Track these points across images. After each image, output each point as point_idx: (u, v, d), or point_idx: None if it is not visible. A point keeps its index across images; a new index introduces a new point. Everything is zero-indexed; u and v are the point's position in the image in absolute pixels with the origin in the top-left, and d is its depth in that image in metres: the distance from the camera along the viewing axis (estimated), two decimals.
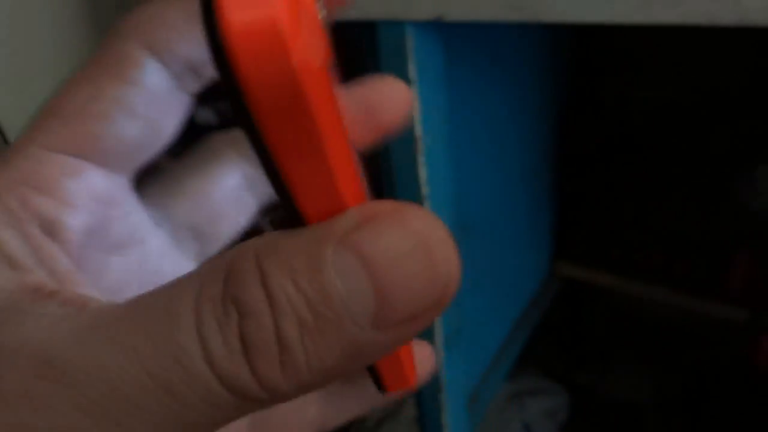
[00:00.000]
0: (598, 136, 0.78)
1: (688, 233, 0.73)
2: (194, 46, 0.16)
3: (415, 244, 0.10)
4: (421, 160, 0.49)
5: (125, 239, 0.17)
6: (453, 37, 0.50)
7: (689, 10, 0.32)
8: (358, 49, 0.49)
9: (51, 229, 0.14)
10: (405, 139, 0.48)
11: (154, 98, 0.16)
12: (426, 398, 0.62)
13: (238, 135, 0.19)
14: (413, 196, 0.50)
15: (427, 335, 0.57)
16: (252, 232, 0.18)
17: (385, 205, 0.11)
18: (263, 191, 0.19)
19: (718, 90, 0.75)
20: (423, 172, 0.49)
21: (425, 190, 0.50)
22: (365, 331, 0.10)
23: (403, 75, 0.46)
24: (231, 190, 0.19)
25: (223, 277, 0.11)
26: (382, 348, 0.11)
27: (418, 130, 0.48)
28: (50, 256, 0.14)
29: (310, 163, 0.10)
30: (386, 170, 0.52)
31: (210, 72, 0.17)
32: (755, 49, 0.74)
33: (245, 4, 0.09)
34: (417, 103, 0.47)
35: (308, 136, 0.10)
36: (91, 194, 0.15)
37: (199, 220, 0.18)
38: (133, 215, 0.17)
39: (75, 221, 0.15)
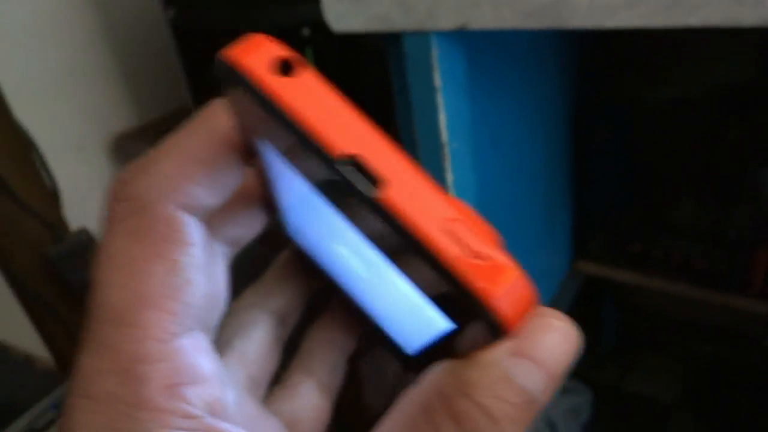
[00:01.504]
0: (615, 135, 0.79)
1: (707, 228, 0.74)
2: (213, 195, 0.17)
3: (561, 335, 0.15)
4: (448, 165, 0.50)
5: None
6: (474, 45, 0.51)
7: (711, 12, 0.33)
8: (383, 60, 0.51)
9: (214, 410, 0.16)
10: (432, 144, 0.50)
11: (204, 250, 0.17)
12: None
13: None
14: None
15: None
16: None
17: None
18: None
19: (732, 87, 0.75)
20: (449, 176, 0.51)
21: (451, 193, 0.51)
22: (542, 399, 0.15)
23: (428, 83, 0.47)
24: (223, 274, 0.20)
25: (453, 422, 0.14)
26: (549, 400, 0.15)
27: (444, 136, 0.49)
28: None
29: None
30: None
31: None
32: None
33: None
34: (442, 110, 0.48)
35: None
36: (210, 358, 0.17)
37: (211, 313, 0.19)
38: None
39: (216, 390, 0.16)
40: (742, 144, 0.67)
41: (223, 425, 0.16)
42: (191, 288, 0.16)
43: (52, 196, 0.63)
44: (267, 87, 0.14)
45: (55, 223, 0.61)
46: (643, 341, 1.12)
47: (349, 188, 0.14)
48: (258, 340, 0.21)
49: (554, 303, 0.91)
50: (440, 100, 0.48)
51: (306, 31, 0.78)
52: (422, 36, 0.45)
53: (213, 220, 0.18)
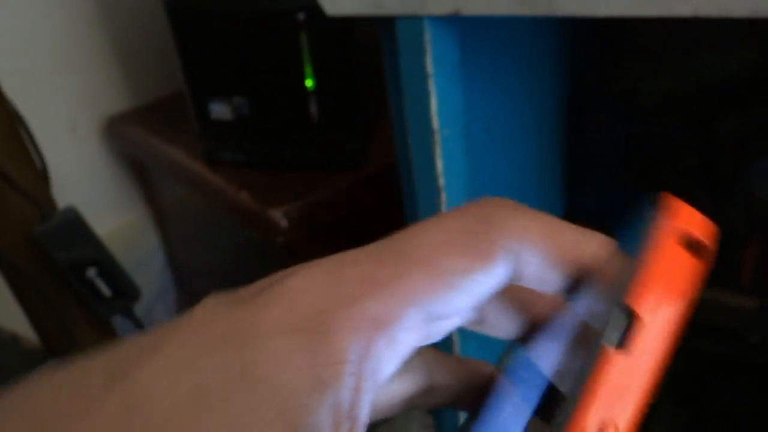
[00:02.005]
0: (608, 126, 0.78)
1: None
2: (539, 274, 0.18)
3: None
4: (438, 151, 0.50)
5: None
6: (467, 31, 0.51)
7: (702, 2, 0.33)
8: (378, 47, 0.51)
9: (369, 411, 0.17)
10: (422, 131, 0.50)
11: (489, 296, 0.18)
12: None
13: None
14: (430, 186, 0.51)
15: None
16: None
17: None
18: None
19: (727, 79, 0.75)
20: (440, 164, 0.51)
21: (441, 181, 0.51)
22: None
23: (420, 69, 0.47)
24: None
25: None
26: None
27: (435, 123, 0.49)
28: None
29: None
30: (404, 162, 0.53)
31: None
32: (765, 37, 0.75)
33: None
34: (434, 96, 0.48)
35: None
36: (393, 369, 0.17)
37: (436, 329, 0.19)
38: None
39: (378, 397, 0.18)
40: (735, 138, 0.67)
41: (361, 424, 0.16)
42: (454, 295, 0.17)
43: (41, 175, 0.63)
44: (662, 248, 0.15)
45: (43, 202, 0.61)
46: None
47: None
48: (404, 387, 0.21)
49: None
50: (432, 87, 0.48)
51: (301, 16, 0.77)
52: (415, 21, 0.45)
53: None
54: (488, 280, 0.18)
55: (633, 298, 0.15)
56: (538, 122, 0.76)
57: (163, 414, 0.13)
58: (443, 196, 0.51)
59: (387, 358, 0.16)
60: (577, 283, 0.18)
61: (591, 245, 0.18)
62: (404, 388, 0.21)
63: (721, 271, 0.76)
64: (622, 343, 0.14)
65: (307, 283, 0.16)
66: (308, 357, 0.14)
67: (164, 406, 0.13)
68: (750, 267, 0.71)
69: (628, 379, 0.14)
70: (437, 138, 0.50)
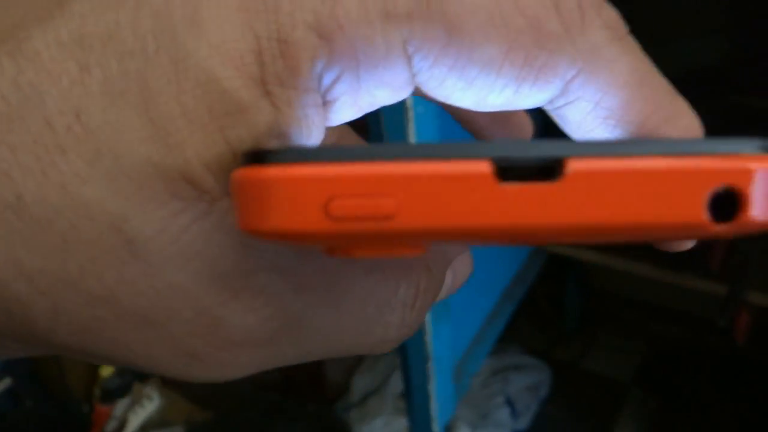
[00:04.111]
0: None
1: None
2: None
3: None
4: (412, 128, 0.49)
5: None
6: None
7: None
8: None
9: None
10: (396, 107, 0.49)
11: None
12: (413, 369, 0.63)
13: None
14: None
15: None
16: None
17: None
18: None
19: (699, 67, 0.76)
20: (413, 140, 0.50)
21: None
22: None
23: None
24: None
25: None
26: None
27: (409, 99, 0.48)
28: None
29: None
30: (377, 138, 0.52)
31: None
32: (736, 25, 0.75)
33: None
34: None
35: None
36: None
37: None
38: None
39: None
40: (706, 125, 0.67)
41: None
42: None
43: None
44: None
45: None
46: (604, 320, 1.13)
47: None
48: None
49: (518, 279, 0.91)
50: None
51: None
52: None
53: None
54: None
55: None
56: None
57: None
58: None
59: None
60: None
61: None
62: None
63: (691, 257, 0.77)
64: None
65: None
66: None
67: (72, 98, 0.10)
68: (719, 253, 0.71)
69: None
70: (410, 116, 0.49)
